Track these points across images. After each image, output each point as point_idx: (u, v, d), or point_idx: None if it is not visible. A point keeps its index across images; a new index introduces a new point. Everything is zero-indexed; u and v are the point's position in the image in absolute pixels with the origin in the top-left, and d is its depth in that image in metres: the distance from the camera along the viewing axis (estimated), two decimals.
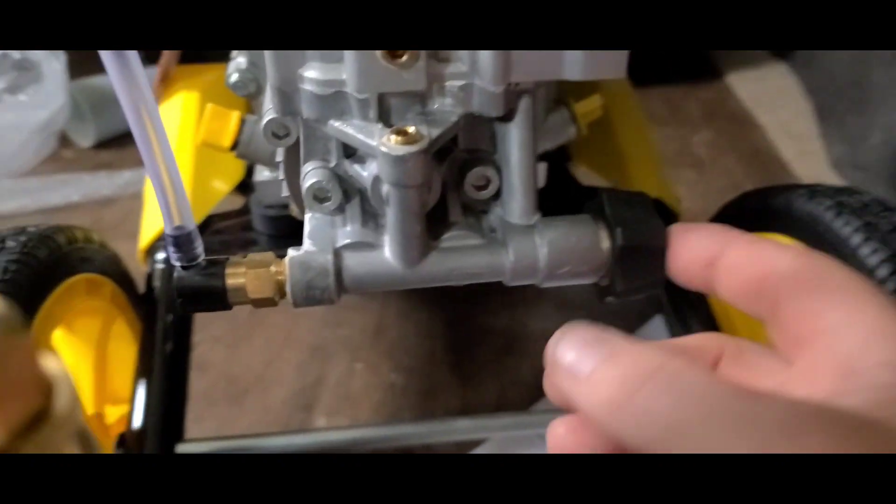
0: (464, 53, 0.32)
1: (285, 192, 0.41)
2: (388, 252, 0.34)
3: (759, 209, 0.59)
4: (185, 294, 0.33)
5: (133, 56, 0.27)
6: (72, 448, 0.16)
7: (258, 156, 0.58)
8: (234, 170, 0.71)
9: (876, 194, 0.52)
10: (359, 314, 0.96)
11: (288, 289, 0.34)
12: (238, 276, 0.34)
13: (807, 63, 1.41)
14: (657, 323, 0.79)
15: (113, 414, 0.62)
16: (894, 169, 0.99)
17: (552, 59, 0.31)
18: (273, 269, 0.34)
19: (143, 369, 0.59)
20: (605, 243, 0.34)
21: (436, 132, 0.31)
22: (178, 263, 0.33)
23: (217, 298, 0.34)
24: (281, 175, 0.40)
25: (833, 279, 0.19)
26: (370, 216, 0.36)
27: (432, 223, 0.35)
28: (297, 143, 0.37)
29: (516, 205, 0.35)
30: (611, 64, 0.31)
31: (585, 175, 0.76)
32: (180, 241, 0.33)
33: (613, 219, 0.34)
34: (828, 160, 1.20)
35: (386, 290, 0.35)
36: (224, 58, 0.58)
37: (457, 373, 0.89)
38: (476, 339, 0.97)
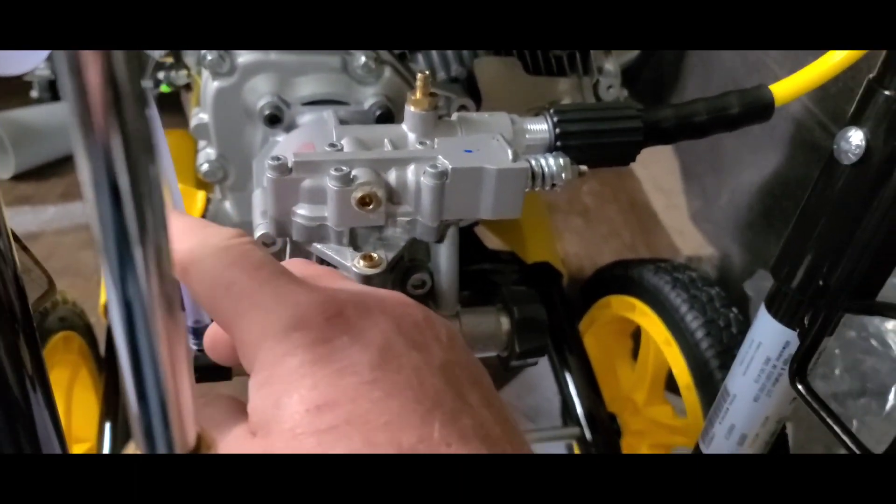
0: (410, 198, 0.45)
1: None
2: None
3: (621, 276, 0.76)
4: (201, 370, 0.45)
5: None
6: None
7: None
8: None
9: (702, 271, 0.70)
10: None
11: None
12: None
13: None
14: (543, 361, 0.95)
15: (76, 451, 0.71)
16: (736, 224, 1.21)
17: (471, 206, 0.45)
18: None
19: (108, 412, 0.68)
20: (506, 326, 0.49)
21: (391, 255, 0.45)
22: (195, 348, 0.44)
23: (223, 374, 0.45)
24: None
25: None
26: None
27: None
28: (279, 250, 0.49)
29: (443, 300, 0.49)
30: (510, 209, 0.46)
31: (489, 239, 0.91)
32: (198, 331, 0.44)
33: (512, 301, 0.48)
34: (688, 213, 1.42)
35: None
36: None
37: None
38: None
